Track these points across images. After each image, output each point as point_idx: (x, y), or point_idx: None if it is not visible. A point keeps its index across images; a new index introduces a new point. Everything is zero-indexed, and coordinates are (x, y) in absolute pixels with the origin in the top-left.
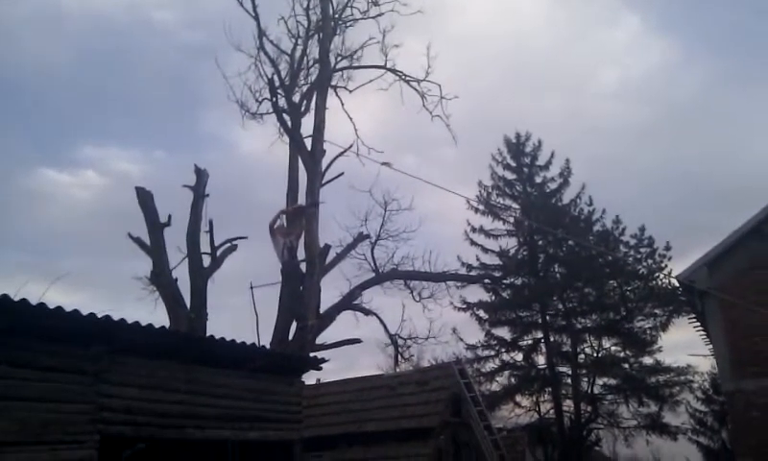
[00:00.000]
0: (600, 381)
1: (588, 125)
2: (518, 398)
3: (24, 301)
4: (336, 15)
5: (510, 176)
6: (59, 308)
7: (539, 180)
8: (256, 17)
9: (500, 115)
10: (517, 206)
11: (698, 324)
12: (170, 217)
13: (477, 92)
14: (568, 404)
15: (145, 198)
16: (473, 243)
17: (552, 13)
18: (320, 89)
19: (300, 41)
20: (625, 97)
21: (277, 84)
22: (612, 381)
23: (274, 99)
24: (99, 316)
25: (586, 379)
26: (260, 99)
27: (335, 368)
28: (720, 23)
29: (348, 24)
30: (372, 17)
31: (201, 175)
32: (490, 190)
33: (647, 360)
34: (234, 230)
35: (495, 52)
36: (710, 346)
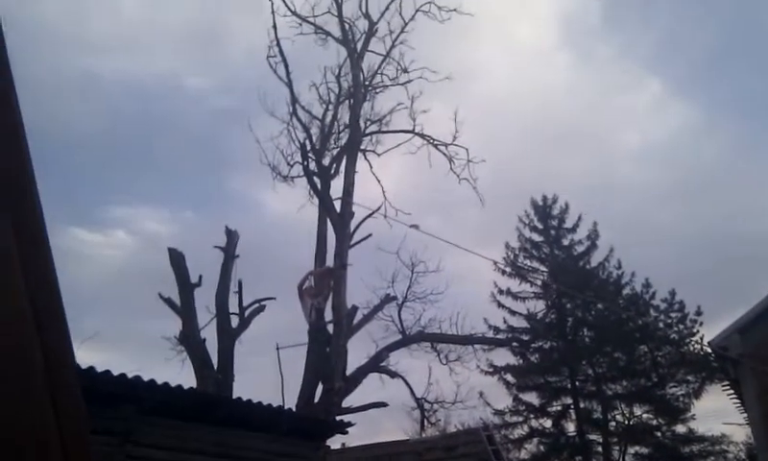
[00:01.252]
0: (632, 450)
1: (613, 187)
2: None
3: None
4: (366, 82)
5: (537, 238)
6: (91, 369)
7: (566, 242)
8: (290, 85)
9: (524, 177)
10: (545, 269)
11: (732, 391)
12: (200, 278)
13: (501, 154)
14: None
15: (177, 258)
16: (501, 305)
17: (574, 79)
18: (349, 153)
19: (330, 107)
20: (649, 159)
21: (309, 148)
22: (645, 450)
23: (305, 162)
24: (129, 376)
25: (617, 448)
26: (292, 162)
27: (359, 432)
28: (740, 87)
29: (377, 90)
30: (401, 84)
31: (231, 236)
32: (517, 252)
33: (680, 428)
34: (262, 290)
35: (519, 116)
36: (745, 414)
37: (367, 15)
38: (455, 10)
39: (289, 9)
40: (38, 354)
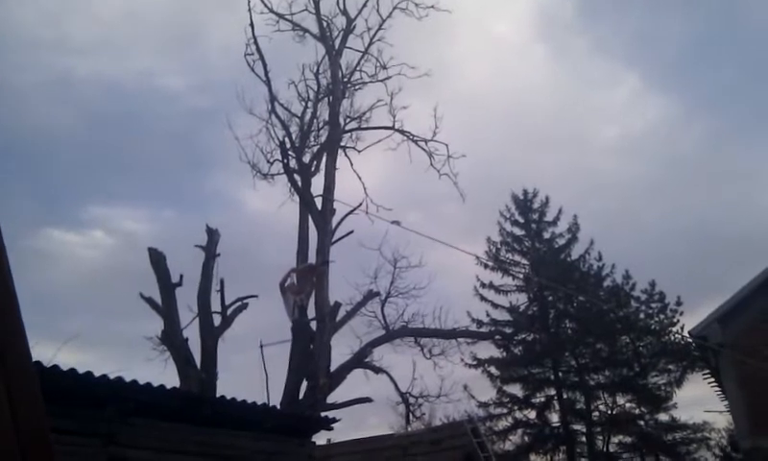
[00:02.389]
0: (615, 439)
1: (593, 180)
2: (533, 457)
3: (38, 363)
4: (345, 79)
5: (518, 232)
6: (72, 370)
7: (547, 235)
8: (268, 82)
9: (504, 171)
10: (527, 262)
11: (712, 379)
12: (182, 277)
13: (481, 149)
14: None
15: (157, 258)
16: (483, 299)
17: (552, 74)
18: (329, 150)
19: (309, 104)
20: (628, 152)
21: (288, 146)
22: (628, 439)
23: (285, 160)
24: (111, 377)
25: (600, 437)
26: (271, 160)
27: (344, 427)
28: (717, 80)
29: (356, 87)
30: (381, 80)
31: (212, 235)
32: (498, 246)
33: (663, 417)
34: (244, 288)
35: (498, 111)
36: (726, 402)
37: (344, 12)
38: (432, 6)
39: (266, 6)
40: None
